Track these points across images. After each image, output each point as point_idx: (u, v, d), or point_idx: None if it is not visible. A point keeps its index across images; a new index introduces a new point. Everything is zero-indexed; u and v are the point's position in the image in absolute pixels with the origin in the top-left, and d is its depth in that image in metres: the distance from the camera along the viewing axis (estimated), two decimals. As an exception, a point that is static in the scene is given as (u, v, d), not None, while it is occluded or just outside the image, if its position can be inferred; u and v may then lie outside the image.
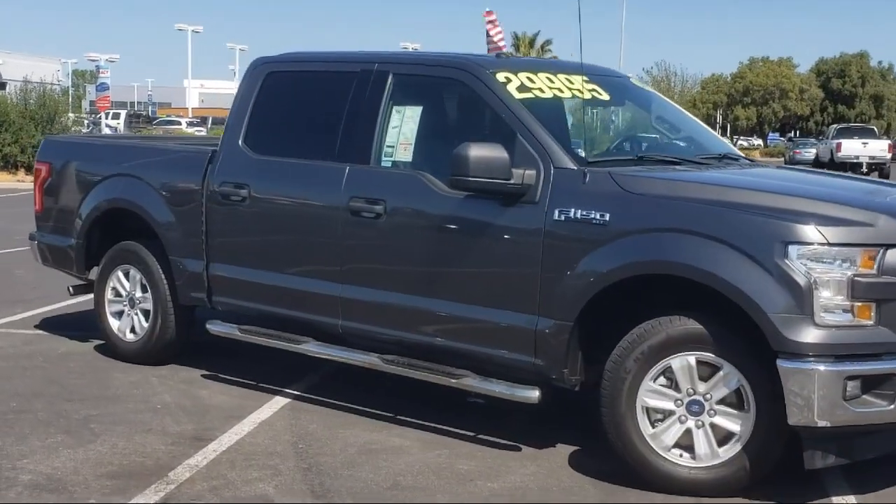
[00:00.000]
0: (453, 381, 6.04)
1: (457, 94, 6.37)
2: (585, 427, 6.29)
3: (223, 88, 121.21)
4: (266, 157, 7.07)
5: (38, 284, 11.46)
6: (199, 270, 7.37)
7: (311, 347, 6.77)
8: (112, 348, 8.06)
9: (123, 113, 67.85)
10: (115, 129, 60.41)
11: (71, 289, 8.50)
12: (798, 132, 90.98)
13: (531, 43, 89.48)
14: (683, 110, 7.51)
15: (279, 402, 6.99)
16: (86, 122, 58.80)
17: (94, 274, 8.40)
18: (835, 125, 54.34)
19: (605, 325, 5.67)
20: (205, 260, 7.33)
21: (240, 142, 7.21)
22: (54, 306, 10.24)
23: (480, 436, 6.28)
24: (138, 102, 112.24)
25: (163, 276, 7.66)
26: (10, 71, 61.05)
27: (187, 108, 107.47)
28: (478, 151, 5.64)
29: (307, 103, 7.11)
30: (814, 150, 52.31)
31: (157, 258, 7.69)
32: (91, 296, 8.57)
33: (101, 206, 7.98)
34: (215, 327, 7.32)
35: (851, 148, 45.23)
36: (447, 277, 6.09)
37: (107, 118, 60.91)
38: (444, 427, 6.41)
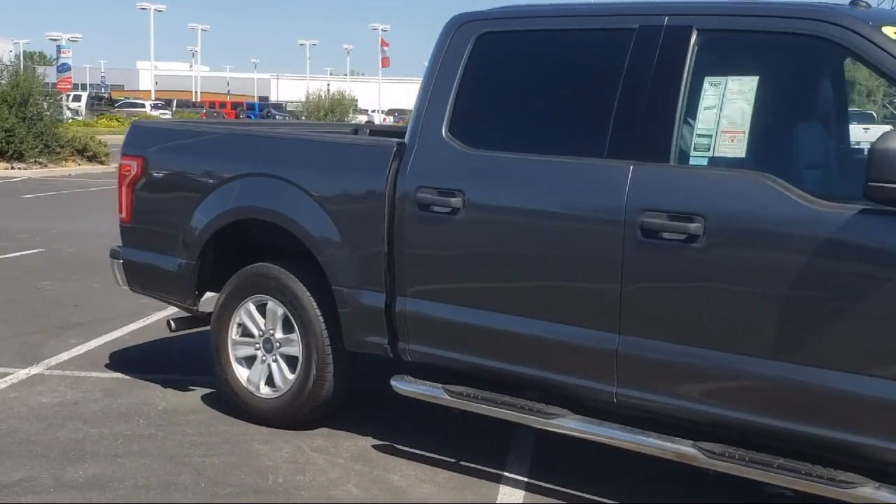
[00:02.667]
0: (837, 488, 4.06)
1: (822, 59, 4.39)
2: None
3: (178, 70, 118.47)
4: (488, 153, 5.07)
5: (79, 301, 9.41)
6: (378, 306, 5.35)
7: (572, 424, 4.78)
8: (237, 404, 6.02)
9: (85, 95, 65.12)
10: (77, 111, 57.72)
11: (172, 323, 6.42)
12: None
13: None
14: None
15: (512, 494, 5.04)
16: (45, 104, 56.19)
17: (204, 304, 6.33)
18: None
19: None
20: (387, 292, 5.31)
21: (443, 131, 5.18)
22: (116, 334, 8.19)
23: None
24: (91, 84, 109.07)
25: (318, 313, 5.62)
26: (-41, 51, 58.00)
27: (141, 91, 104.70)
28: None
29: (548, 76, 5.11)
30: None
31: (311, 287, 5.64)
32: (191, 331, 6.56)
33: (226, 217, 5.92)
34: (406, 386, 5.31)
35: (853, 133, 43.92)
36: (824, 335, 4.12)
37: (67, 100, 58.18)
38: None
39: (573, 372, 4.76)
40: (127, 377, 6.89)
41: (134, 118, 60.05)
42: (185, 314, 6.50)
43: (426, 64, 5.41)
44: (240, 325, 5.98)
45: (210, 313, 6.26)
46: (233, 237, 6.10)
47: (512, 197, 4.92)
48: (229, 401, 6.06)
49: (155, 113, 65.55)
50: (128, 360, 7.34)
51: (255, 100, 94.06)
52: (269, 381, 5.88)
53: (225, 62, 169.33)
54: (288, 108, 78.79)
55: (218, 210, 5.93)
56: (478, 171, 5.03)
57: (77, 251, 12.71)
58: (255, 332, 5.92)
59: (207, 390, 6.53)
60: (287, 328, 5.79)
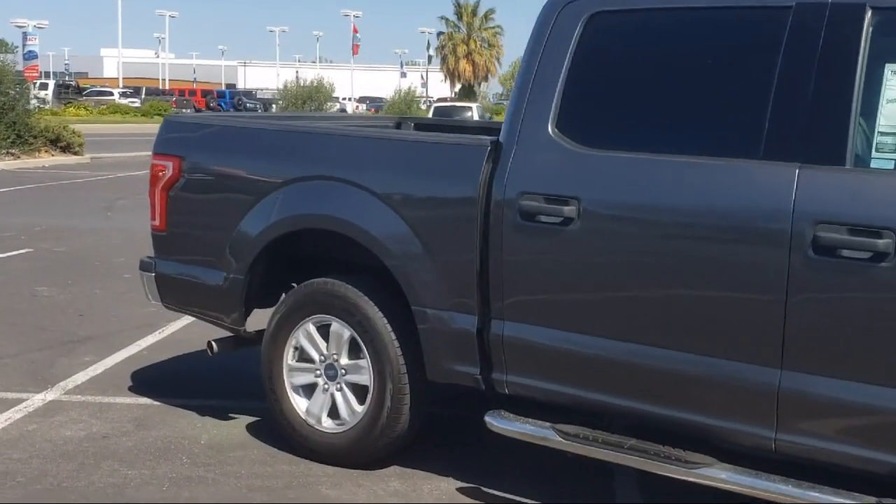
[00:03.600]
0: None
1: None
2: None
3: (143, 58, 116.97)
4: (607, 153, 4.33)
5: (82, 310, 8.63)
6: (468, 330, 4.62)
7: (724, 476, 4.05)
8: (294, 438, 5.27)
9: (51, 83, 63.78)
10: (45, 100, 56.36)
11: (214, 345, 5.63)
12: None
13: (474, 12, 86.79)
14: None
15: (639, 552, 4.27)
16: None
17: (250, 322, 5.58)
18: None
19: None
20: (479, 314, 4.57)
21: (549, 127, 4.44)
22: (132, 349, 7.41)
23: None
24: (54, 72, 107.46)
25: (394, 337, 4.88)
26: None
27: (106, 78, 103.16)
28: None
29: (679, 62, 4.37)
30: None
31: (384, 307, 4.90)
32: (228, 349, 5.79)
33: (283, 225, 5.17)
34: (506, 424, 4.58)
35: None
36: None
37: (34, 88, 57.01)
38: None
39: (721, 413, 4.04)
40: (157, 403, 6.11)
41: (103, 106, 59.05)
42: (227, 334, 5.69)
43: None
44: (297, 348, 5.23)
45: (256, 333, 5.51)
46: (286, 248, 5.33)
47: (642, 205, 4.19)
48: (284, 434, 5.31)
49: (124, 101, 64.41)
50: (153, 382, 6.55)
51: (223, 87, 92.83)
52: (333, 413, 5.14)
53: (191, 49, 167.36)
54: (258, 96, 77.72)
55: (272, 217, 5.17)
56: (595, 175, 4.30)
57: (68, 251, 11.91)
58: (316, 356, 5.17)
59: (252, 419, 5.79)
60: (354, 353, 5.05)
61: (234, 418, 5.82)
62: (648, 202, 4.17)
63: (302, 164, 5.16)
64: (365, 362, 4.98)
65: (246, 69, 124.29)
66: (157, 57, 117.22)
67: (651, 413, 4.22)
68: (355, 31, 78.73)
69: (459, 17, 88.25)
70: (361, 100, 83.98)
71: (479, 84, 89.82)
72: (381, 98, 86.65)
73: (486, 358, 4.63)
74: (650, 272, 4.14)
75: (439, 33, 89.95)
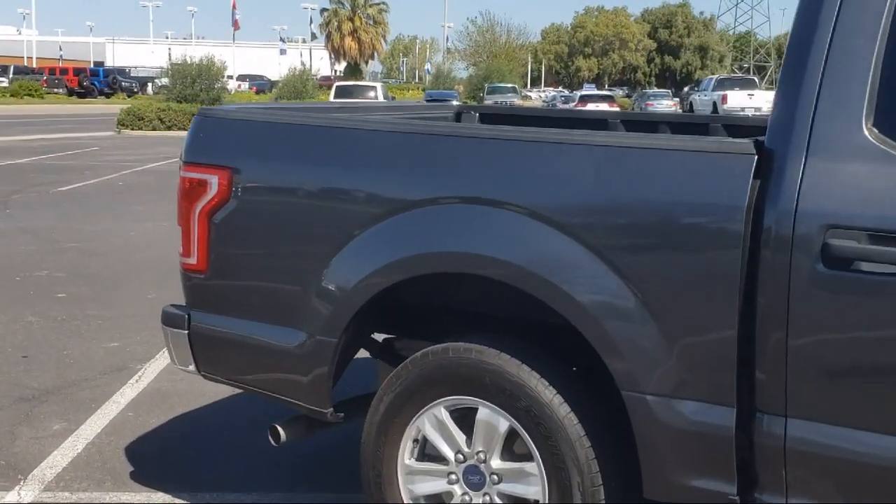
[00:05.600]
0: None
1: None
2: None
3: (3, 35, 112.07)
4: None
5: (23, 348, 6.87)
6: (721, 427, 3.10)
7: None
8: (412, 570, 3.64)
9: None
10: None
11: (281, 432, 3.95)
12: (631, 84, 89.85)
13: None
14: None
15: None
16: None
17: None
18: (714, 76, 52.76)
19: None
20: (740, 405, 3.04)
21: (864, 127, 2.91)
22: (111, 410, 5.76)
23: None
24: None
25: (581, 432, 3.32)
26: None
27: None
28: None
29: None
30: (667, 103, 50.47)
31: (565, 388, 3.34)
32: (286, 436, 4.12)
33: (403, 268, 3.59)
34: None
35: (737, 99, 43.81)
36: None
37: None
38: None
39: None
40: (177, 501, 4.40)
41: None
42: (295, 413, 4.03)
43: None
44: (417, 441, 3.63)
45: (340, 413, 3.89)
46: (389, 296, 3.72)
47: None
48: (395, 561, 3.68)
49: (-9, 81, 60.84)
50: (161, 464, 4.87)
51: (91, 65, 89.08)
52: (480, 537, 3.55)
53: (55, 25, 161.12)
54: (132, 75, 74.79)
55: (386, 256, 3.58)
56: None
57: (-23, 263, 9.99)
58: (450, 454, 3.58)
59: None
60: (513, 451, 3.48)
61: (301, 529, 4.18)
62: None
63: (430, 180, 3.56)
64: (534, 467, 3.42)
65: (115, 46, 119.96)
66: (20, 34, 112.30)
67: None
68: (234, 6, 75.58)
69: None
70: (241, 78, 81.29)
71: (367, 62, 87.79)
72: (261, 76, 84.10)
73: (750, 470, 3.10)
74: None
75: (323, 9, 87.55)
